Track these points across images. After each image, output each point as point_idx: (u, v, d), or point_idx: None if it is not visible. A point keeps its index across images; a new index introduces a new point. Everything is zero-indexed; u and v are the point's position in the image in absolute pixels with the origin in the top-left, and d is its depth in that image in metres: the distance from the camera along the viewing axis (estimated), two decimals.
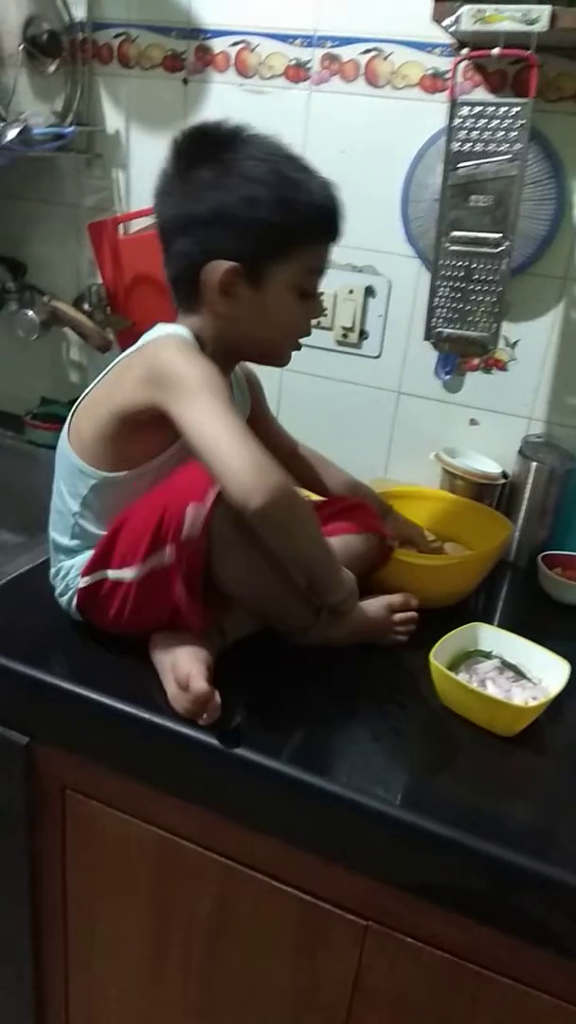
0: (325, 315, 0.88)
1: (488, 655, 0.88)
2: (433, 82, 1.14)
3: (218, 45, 1.24)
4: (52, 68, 1.28)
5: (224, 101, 1.26)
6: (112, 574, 0.82)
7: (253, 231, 0.79)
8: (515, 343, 1.19)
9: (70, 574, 0.87)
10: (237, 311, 0.82)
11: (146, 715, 0.78)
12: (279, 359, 0.90)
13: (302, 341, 0.89)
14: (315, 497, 1.11)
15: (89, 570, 0.84)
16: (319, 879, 0.78)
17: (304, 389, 1.33)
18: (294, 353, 0.90)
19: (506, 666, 0.87)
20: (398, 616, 0.93)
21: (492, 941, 0.71)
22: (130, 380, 0.81)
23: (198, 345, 0.83)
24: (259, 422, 1.01)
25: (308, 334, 0.88)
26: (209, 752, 0.76)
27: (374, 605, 0.92)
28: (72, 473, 0.86)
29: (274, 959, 0.84)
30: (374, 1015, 0.81)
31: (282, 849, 0.78)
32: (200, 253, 0.81)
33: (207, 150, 0.81)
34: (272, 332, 0.86)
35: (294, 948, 0.82)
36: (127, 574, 0.80)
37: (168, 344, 0.82)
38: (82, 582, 0.84)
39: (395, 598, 0.93)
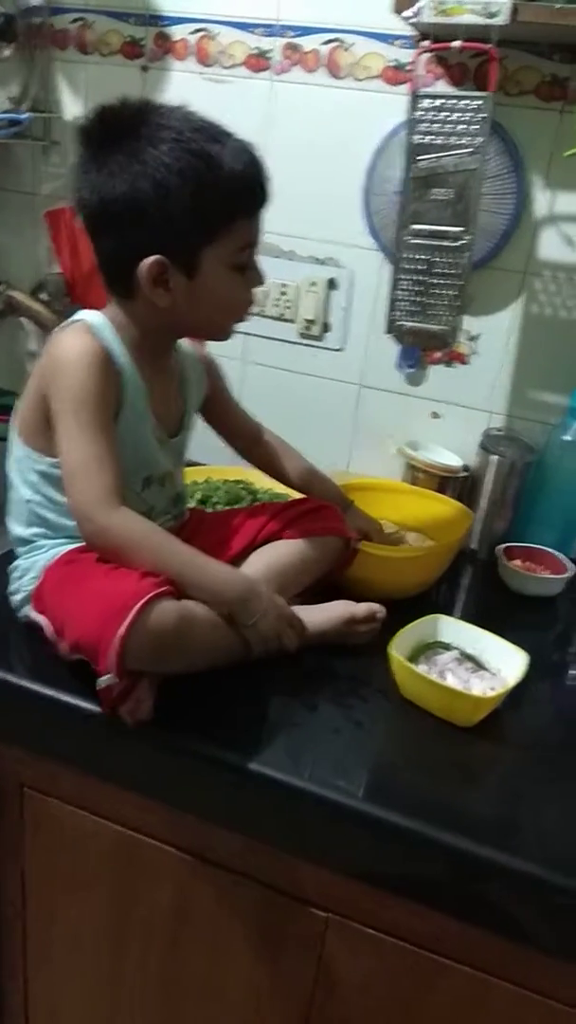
0: (263, 286, 0.85)
1: (448, 646, 0.88)
2: (395, 74, 1.14)
3: (178, 32, 1.23)
4: (7, 53, 1.25)
5: (184, 89, 1.24)
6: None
7: (174, 221, 0.76)
8: (476, 337, 1.20)
9: (24, 577, 0.85)
10: (175, 300, 0.80)
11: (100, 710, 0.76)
12: (222, 336, 0.88)
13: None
14: (281, 490, 1.11)
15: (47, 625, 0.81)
16: (280, 872, 0.78)
17: (266, 381, 1.32)
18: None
19: (465, 657, 0.87)
20: (360, 625, 0.90)
21: (451, 930, 0.72)
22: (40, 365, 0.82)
23: (114, 332, 0.81)
24: (220, 407, 1.00)
25: (252, 305, 0.86)
26: (166, 748, 0.76)
27: (337, 611, 0.90)
28: (19, 460, 0.85)
29: (236, 954, 0.83)
30: (336, 1007, 0.81)
31: (243, 843, 0.77)
32: (126, 249, 0.78)
33: (115, 133, 0.77)
34: (214, 313, 0.84)
35: (256, 943, 0.82)
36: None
37: (62, 339, 0.80)
38: (32, 615, 0.83)
39: (360, 610, 0.90)
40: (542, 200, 1.11)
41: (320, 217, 1.22)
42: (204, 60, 1.23)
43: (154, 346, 0.85)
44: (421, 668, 0.83)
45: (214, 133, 0.78)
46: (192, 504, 1.11)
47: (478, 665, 0.87)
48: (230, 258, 0.80)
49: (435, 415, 1.26)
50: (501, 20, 0.94)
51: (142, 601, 0.70)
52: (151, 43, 1.25)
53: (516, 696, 0.81)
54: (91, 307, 0.84)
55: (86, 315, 0.83)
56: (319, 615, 0.89)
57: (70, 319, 0.84)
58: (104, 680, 0.72)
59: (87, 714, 0.77)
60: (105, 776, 0.81)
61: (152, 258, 0.77)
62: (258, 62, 1.20)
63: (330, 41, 1.16)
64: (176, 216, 0.76)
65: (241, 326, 0.88)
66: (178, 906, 0.84)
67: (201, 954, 0.86)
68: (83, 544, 0.80)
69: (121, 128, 0.77)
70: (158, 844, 0.82)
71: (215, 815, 0.78)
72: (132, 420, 0.83)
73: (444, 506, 1.13)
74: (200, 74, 1.23)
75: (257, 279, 0.84)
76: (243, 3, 1.18)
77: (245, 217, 0.81)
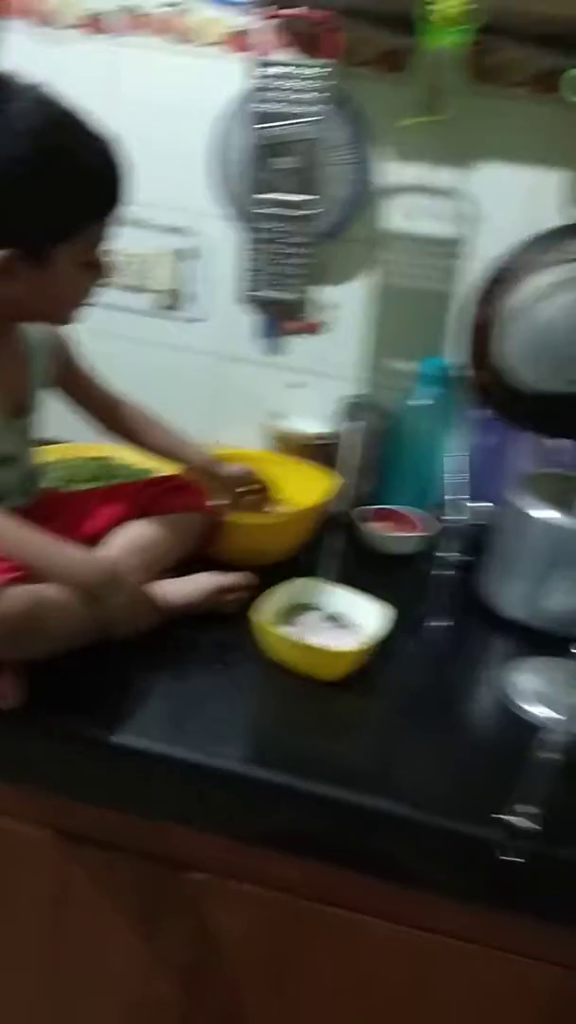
0: (112, 275, 0.83)
1: (313, 607, 0.91)
2: (238, 40, 1.13)
3: None
4: None
5: (20, 51, 1.19)
6: None
7: (27, 217, 0.73)
8: (333, 307, 1.22)
9: None
10: (17, 290, 0.76)
11: None
12: (62, 323, 0.87)
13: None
14: (148, 466, 1.09)
15: None
16: (155, 842, 0.78)
17: (125, 355, 1.29)
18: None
19: (330, 616, 0.90)
20: (229, 594, 0.91)
21: (326, 878, 0.74)
22: None
23: None
24: (73, 381, 0.97)
25: (93, 295, 0.84)
26: (35, 730, 0.74)
27: (203, 582, 0.90)
28: None
29: (118, 931, 0.83)
30: (222, 966, 0.82)
31: (116, 818, 0.77)
32: None
33: None
34: (57, 303, 0.82)
35: (137, 916, 0.82)
36: None
37: None
38: None
39: (227, 579, 0.91)
40: (386, 170, 1.14)
41: (170, 184, 1.20)
42: (40, 20, 1.17)
43: None
44: (287, 629, 0.85)
45: (76, 125, 0.74)
46: (55, 484, 1.08)
47: (343, 623, 0.90)
48: (83, 256, 0.78)
49: (296, 385, 1.28)
50: None
51: None
52: None
53: (382, 651, 0.84)
54: None
55: None
56: (187, 587, 0.89)
57: None
58: None
59: None
60: None
61: (3, 251, 0.73)
62: (96, 22, 1.16)
63: (169, 4, 1.13)
64: (29, 212, 0.73)
65: (91, 299, 0.86)
66: (55, 891, 0.83)
67: (84, 937, 0.85)
68: None
69: None
70: (28, 828, 0.80)
71: (88, 795, 0.77)
72: None
73: (308, 472, 1.15)
74: (36, 36, 1.18)
75: (106, 272, 0.82)
76: None
77: (102, 218, 0.78)
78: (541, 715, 0.81)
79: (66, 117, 0.74)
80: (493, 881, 0.69)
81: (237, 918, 0.79)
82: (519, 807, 0.68)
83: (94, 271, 0.81)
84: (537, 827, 0.66)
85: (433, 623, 1.01)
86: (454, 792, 0.72)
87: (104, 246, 0.81)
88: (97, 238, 0.79)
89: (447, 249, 1.16)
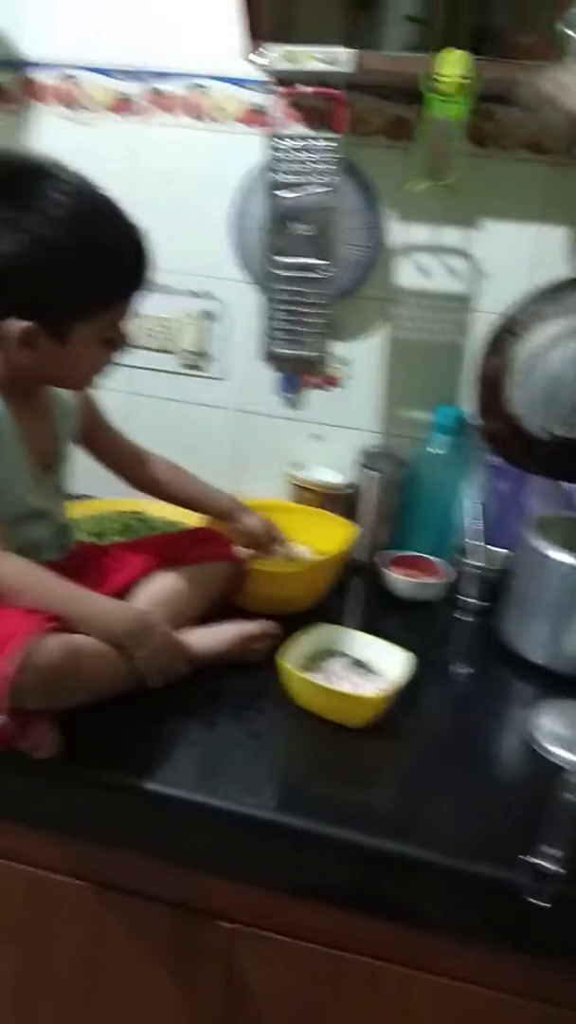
0: (129, 346, 0.87)
1: (337, 653, 0.93)
2: (254, 116, 1.20)
3: (42, 77, 1.25)
4: None
5: (50, 133, 1.27)
6: None
7: (52, 294, 0.77)
8: (349, 362, 1.27)
9: None
10: (38, 360, 0.81)
11: None
12: (78, 389, 0.92)
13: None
14: (175, 518, 1.12)
15: None
16: (188, 890, 0.79)
17: (153, 412, 1.35)
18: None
19: (354, 662, 0.92)
20: (255, 642, 0.93)
21: (355, 926, 0.75)
22: None
23: None
24: (98, 436, 1.02)
25: (111, 365, 0.88)
26: (69, 779, 0.76)
27: (230, 632, 0.92)
28: None
29: (151, 977, 0.84)
30: (250, 1015, 0.82)
31: (151, 866, 0.78)
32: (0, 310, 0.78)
33: (5, 188, 0.76)
34: (73, 374, 0.86)
35: (169, 964, 0.83)
36: None
37: None
38: None
39: (253, 628, 0.93)
40: (397, 232, 1.20)
41: (194, 253, 1.27)
42: (69, 104, 1.26)
43: (23, 386, 0.86)
44: (312, 675, 0.87)
45: (109, 214, 0.79)
46: (86, 537, 1.12)
47: (367, 669, 0.91)
48: (102, 332, 0.82)
49: (315, 437, 1.32)
50: (344, 67, 1.01)
51: (28, 638, 0.70)
52: (16, 88, 1.27)
53: (406, 696, 0.86)
54: None
55: None
56: (213, 636, 0.92)
57: None
58: None
59: None
60: (4, 815, 0.81)
61: (23, 324, 0.77)
62: (122, 105, 1.24)
63: (190, 86, 1.21)
64: (54, 290, 0.77)
65: (124, 359, 0.90)
66: (90, 940, 0.84)
67: (117, 987, 0.86)
68: None
69: (13, 184, 0.76)
70: (65, 879, 0.82)
71: (122, 842, 0.79)
72: (5, 460, 0.84)
73: (329, 522, 1.18)
74: (65, 118, 1.26)
75: (122, 345, 0.86)
76: (106, 50, 1.22)
77: (125, 299, 0.83)
78: (564, 757, 0.82)
79: (100, 206, 0.79)
80: (519, 925, 0.69)
81: (267, 968, 0.80)
82: (544, 850, 0.68)
83: (112, 346, 0.85)
84: (562, 870, 0.67)
85: (456, 668, 1.02)
86: (479, 836, 0.73)
87: (123, 324, 0.85)
88: (117, 317, 0.83)
89: (456, 304, 1.21)
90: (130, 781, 0.75)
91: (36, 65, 1.25)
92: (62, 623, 0.76)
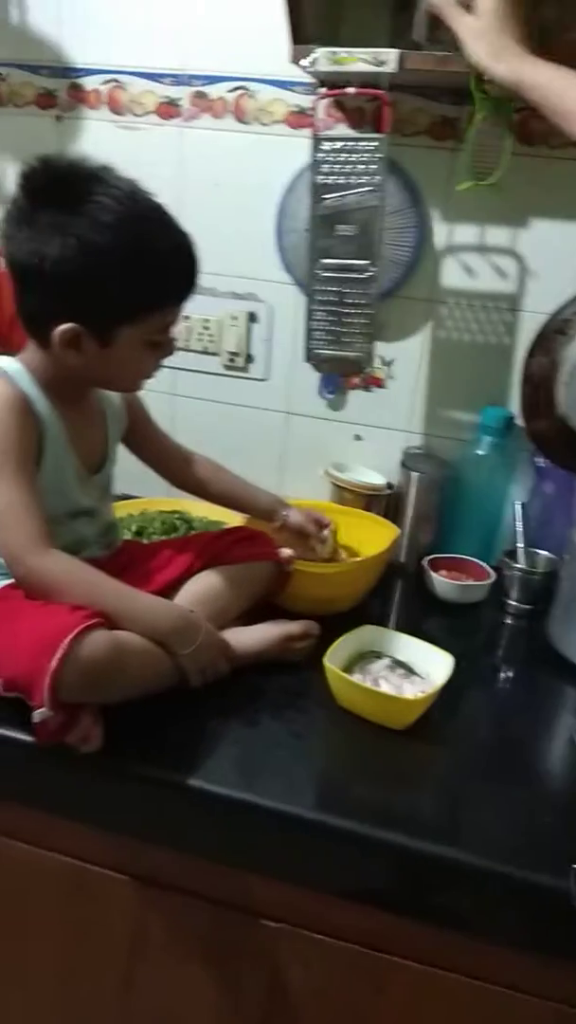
0: (177, 350, 0.88)
1: (380, 655, 0.92)
2: (298, 118, 1.20)
3: (90, 83, 1.27)
4: None
5: (98, 137, 1.29)
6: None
7: (99, 298, 0.78)
8: (391, 362, 1.26)
9: None
10: (84, 361, 0.81)
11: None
12: (124, 391, 0.93)
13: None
14: (217, 517, 1.13)
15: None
16: (230, 888, 0.80)
17: (197, 413, 1.36)
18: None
19: (397, 664, 0.91)
20: (296, 642, 0.93)
21: (397, 928, 0.74)
22: None
23: (31, 377, 0.83)
24: (143, 436, 1.02)
25: (158, 368, 0.89)
26: (112, 774, 0.77)
27: (272, 632, 0.93)
28: None
29: (191, 976, 0.84)
30: (292, 1014, 0.82)
31: (191, 863, 0.79)
32: (47, 312, 0.79)
33: (56, 191, 0.77)
34: (119, 376, 0.87)
35: (210, 962, 0.83)
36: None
37: None
38: None
39: (294, 628, 0.94)
40: (441, 232, 1.19)
41: (237, 255, 1.28)
42: (116, 109, 1.28)
43: (72, 389, 0.87)
44: (355, 677, 0.87)
45: (157, 220, 0.80)
46: (128, 536, 1.14)
47: (409, 671, 0.91)
48: (147, 337, 0.83)
49: (357, 438, 1.32)
50: (390, 68, 1.01)
51: (73, 633, 0.71)
52: (64, 94, 1.29)
53: (448, 698, 0.85)
54: (16, 346, 0.86)
55: (2, 363, 0.84)
56: (255, 635, 0.92)
57: None
58: (39, 714, 0.72)
59: (29, 748, 0.77)
60: (46, 807, 0.82)
61: (68, 325, 0.79)
62: (168, 110, 1.25)
63: (235, 89, 1.22)
64: (102, 294, 0.78)
65: (166, 361, 0.90)
66: (131, 935, 0.85)
67: (156, 979, 0.86)
68: (14, 580, 0.81)
69: (68, 185, 0.77)
70: (107, 872, 0.83)
71: (164, 838, 0.79)
72: (54, 462, 0.85)
73: (371, 523, 1.18)
74: (113, 123, 1.28)
75: (168, 350, 0.86)
76: (152, 55, 1.23)
77: (170, 305, 0.83)
78: None
79: (148, 212, 0.80)
80: (567, 932, 0.68)
81: (309, 968, 0.80)
82: None
83: (157, 350, 0.85)
84: None
85: (500, 670, 1.01)
86: (525, 841, 0.72)
87: (169, 328, 0.85)
88: (163, 322, 0.84)
89: (502, 303, 1.20)
90: (173, 777, 0.75)
91: (84, 71, 1.27)
92: (107, 619, 0.76)
